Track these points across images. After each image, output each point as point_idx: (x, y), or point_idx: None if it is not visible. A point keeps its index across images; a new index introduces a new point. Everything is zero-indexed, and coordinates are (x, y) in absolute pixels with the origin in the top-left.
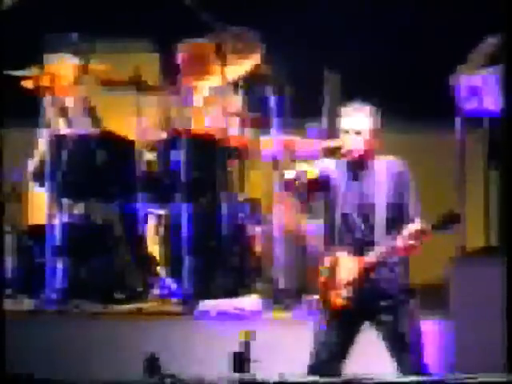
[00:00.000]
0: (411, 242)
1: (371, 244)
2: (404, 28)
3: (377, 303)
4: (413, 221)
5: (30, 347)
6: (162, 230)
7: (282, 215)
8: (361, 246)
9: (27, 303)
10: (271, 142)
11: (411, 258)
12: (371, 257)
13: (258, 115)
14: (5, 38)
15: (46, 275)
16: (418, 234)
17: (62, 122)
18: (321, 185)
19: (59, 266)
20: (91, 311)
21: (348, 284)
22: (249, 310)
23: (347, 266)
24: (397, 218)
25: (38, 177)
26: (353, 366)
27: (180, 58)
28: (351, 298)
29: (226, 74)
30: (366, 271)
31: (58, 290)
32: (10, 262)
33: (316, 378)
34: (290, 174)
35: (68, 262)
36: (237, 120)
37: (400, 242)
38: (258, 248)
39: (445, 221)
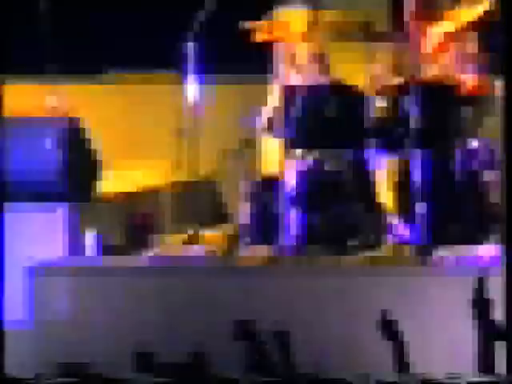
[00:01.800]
0: None
1: None
2: None
3: None
4: None
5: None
6: (393, 176)
7: None
8: None
9: (263, 250)
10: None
11: None
12: None
13: (490, 59)
14: None
15: (280, 223)
16: None
17: (292, 69)
18: None
19: (293, 214)
20: (324, 260)
21: None
22: (487, 257)
23: None
24: None
25: (272, 124)
26: None
27: (410, 2)
28: None
29: (459, 19)
30: None
31: (293, 237)
32: (246, 209)
33: None
34: None
35: (301, 210)
36: (472, 65)
37: None
38: (492, 194)
39: None
